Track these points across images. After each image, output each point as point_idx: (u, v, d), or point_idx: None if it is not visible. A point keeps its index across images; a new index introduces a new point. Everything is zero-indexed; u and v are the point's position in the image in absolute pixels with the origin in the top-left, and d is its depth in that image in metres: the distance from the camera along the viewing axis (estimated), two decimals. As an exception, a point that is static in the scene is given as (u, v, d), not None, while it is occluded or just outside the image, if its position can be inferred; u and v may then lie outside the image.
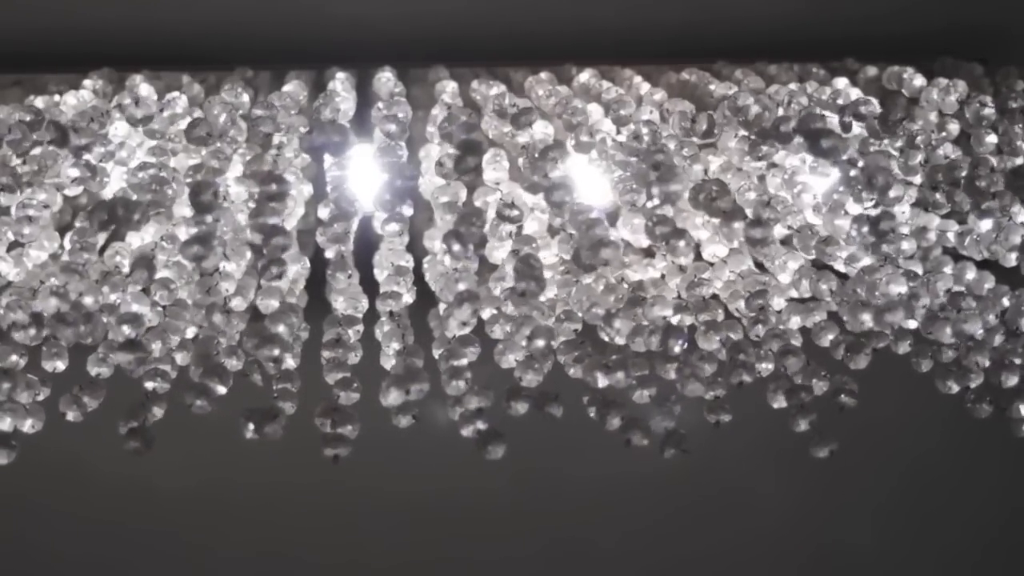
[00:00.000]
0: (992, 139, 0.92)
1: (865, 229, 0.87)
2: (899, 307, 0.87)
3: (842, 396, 0.87)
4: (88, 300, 0.85)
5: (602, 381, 0.86)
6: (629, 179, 0.87)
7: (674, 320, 0.88)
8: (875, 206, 0.86)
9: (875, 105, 0.91)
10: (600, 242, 0.81)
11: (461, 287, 0.83)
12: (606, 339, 0.89)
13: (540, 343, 0.85)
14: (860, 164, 0.87)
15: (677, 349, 0.86)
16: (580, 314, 0.89)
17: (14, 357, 0.83)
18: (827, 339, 0.90)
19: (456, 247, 0.81)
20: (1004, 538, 1.29)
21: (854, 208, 0.89)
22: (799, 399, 0.87)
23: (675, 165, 0.86)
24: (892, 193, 0.87)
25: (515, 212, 0.85)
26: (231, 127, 0.87)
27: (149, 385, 0.84)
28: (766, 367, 0.88)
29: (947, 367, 0.90)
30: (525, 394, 0.85)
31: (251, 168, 0.84)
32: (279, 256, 0.81)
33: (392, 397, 0.84)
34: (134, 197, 0.84)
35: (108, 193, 0.90)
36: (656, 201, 0.85)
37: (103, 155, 0.90)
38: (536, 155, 0.84)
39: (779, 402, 0.88)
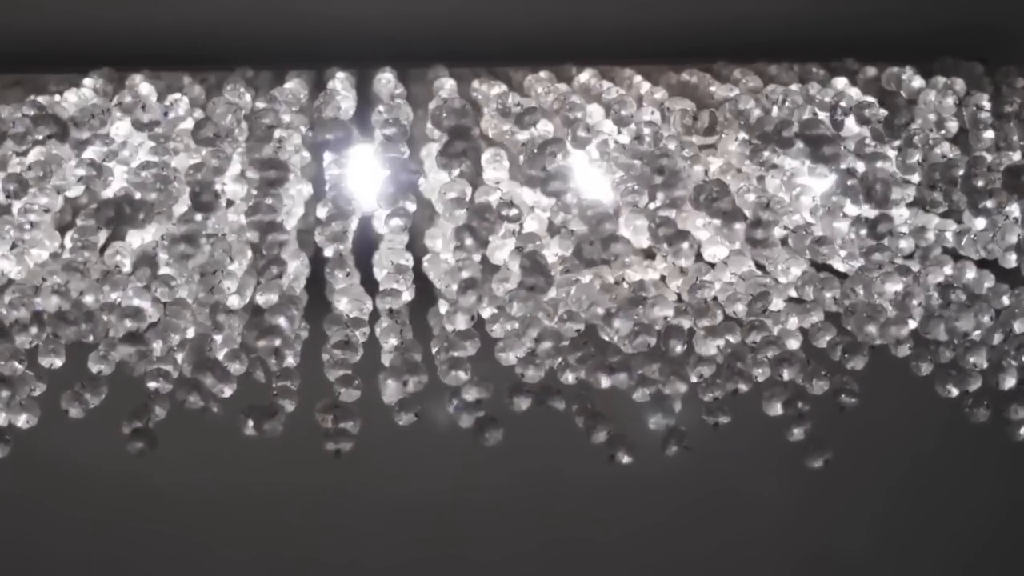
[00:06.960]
0: (989, 135, 0.92)
1: (863, 231, 0.87)
2: (903, 320, 0.87)
3: (843, 396, 0.87)
4: (89, 299, 0.85)
5: (605, 382, 0.85)
6: (631, 180, 0.87)
7: (673, 321, 0.88)
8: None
9: (877, 108, 0.91)
10: (611, 236, 0.81)
11: (465, 275, 0.83)
12: (606, 339, 0.89)
13: (547, 345, 0.85)
14: (859, 173, 0.87)
15: (679, 349, 0.86)
16: (581, 313, 0.89)
17: (15, 363, 0.83)
18: (824, 340, 0.90)
19: (469, 241, 0.81)
20: (1002, 540, 1.29)
21: (852, 210, 0.89)
22: (797, 409, 0.87)
23: (679, 169, 0.86)
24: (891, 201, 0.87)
25: (514, 211, 0.85)
26: (235, 127, 0.87)
27: (152, 385, 0.84)
28: (762, 372, 0.88)
29: (946, 371, 0.90)
30: (526, 389, 0.85)
31: (251, 156, 0.84)
32: (277, 254, 0.81)
33: (390, 390, 0.83)
34: (137, 196, 0.84)
35: (110, 193, 0.90)
36: (658, 203, 0.85)
37: (106, 154, 0.90)
38: (535, 150, 0.84)
39: (775, 410, 0.88)
